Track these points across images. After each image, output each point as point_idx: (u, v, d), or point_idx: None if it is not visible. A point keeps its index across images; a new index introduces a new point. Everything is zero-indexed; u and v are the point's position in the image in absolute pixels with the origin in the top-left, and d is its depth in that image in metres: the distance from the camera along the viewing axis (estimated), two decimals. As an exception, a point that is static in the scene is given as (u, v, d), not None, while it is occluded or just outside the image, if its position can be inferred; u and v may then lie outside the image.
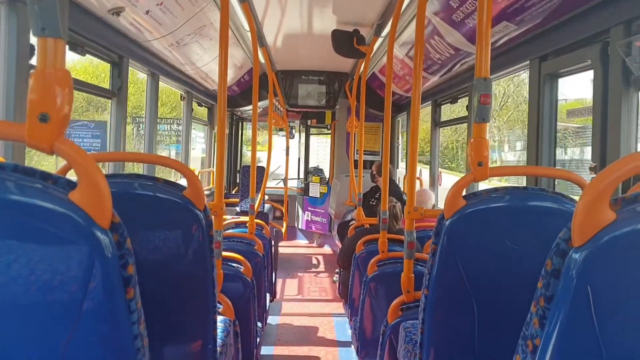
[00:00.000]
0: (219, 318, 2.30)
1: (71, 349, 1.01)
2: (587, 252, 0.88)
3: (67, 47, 3.11)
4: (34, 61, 2.60)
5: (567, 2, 2.63)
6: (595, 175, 2.16)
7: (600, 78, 2.62)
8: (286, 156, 8.31)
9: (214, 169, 6.54)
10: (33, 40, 2.56)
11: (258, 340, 3.54)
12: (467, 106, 4.72)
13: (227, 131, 8.86)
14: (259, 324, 3.65)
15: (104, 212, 1.02)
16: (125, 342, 1.08)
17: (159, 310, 1.79)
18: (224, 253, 2.94)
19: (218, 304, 2.45)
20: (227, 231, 4.33)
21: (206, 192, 5.42)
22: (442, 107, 5.85)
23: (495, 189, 1.76)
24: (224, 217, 4.78)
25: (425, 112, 6.14)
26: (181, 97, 6.07)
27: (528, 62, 3.35)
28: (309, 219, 8.87)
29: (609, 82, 2.57)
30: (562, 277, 0.92)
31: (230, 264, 3.16)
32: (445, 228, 1.73)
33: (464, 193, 1.80)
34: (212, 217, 2.39)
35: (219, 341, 2.03)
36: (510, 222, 1.71)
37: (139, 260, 1.77)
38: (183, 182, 1.87)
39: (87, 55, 3.42)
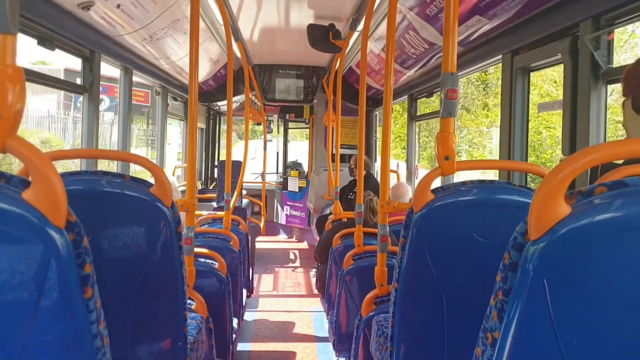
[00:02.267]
0: (191, 315, 2.29)
1: (28, 349, 1.00)
2: (543, 246, 0.89)
3: (36, 42, 3.01)
4: None
5: (538, -4, 2.65)
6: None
7: (570, 72, 2.65)
8: (264, 150, 8.28)
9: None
10: None
11: (234, 336, 3.53)
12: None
13: (203, 126, 8.80)
14: (235, 320, 3.63)
15: (59, 211, 1.00)
16: (84, 342, 1.06)
17: (127, 308, 1.78)
18: (197, 249, 2.91)
19: (190, 301, 2.43)
20: (203, 227, 4.30)
21: (182, 188, 5.37)
22: (426, 100, 5.88)
23: (463, 183, 1.78)
24: (201, 212, 4.75)
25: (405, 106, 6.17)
26: (156, 92, 6.00)
27: (500, 56, 3.37)
28: (288, 213, 8.86)
29: (578, 76, 2.60)
30: (519, 270, 0.92)
31: (204, 260, 3.14)
32: (414, 221, 1.74)
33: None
34: (183, 213, 2.37)
35: (190, 338, 2.02)
36: (477, 215, 1.72)
37: (107, 257, 1.75)
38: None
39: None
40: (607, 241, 0.87)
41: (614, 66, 2.50)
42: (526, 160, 3.26)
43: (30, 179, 1.01)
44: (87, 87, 3.77)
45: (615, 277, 0.87)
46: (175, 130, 8.51)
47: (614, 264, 0.87)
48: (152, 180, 1.81)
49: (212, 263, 3.15)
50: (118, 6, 3.35)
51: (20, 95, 1.02)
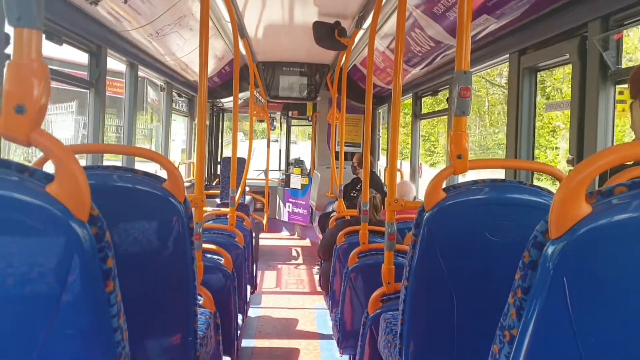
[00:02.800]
0: (200, 310, 2.30)
1: (50, 343, 1.01)
2: (563, 245, 0.89)
3: (43, 36, 3.05)
4: (9, 50, 2.55)
5: (546, -4, 2.66)
6: (572, 168, 2.19)
7: (578, 72, 2.66)
8: (267, 148, 8.28)
9: (194, 161, 6.50)
10: (8, 29, 2.50)
11: (239, 332, 3.54)
12: (447, 99, 4.75)
13: (207, 122, 8.79)
14: (240, 316, 3.65)
15: (82, 205, 1.01)
16: (104, 335, 1.07)
17: (139, 303, 1.78)
18: (204, 245, 2.92)
19: (199, 296, 2.45)
20: (208, 223, 4.31)
21: (186, 184, 5.38)
22: (429, 98, 5.89)
23: (475, 182, 1.78)
24: (205, 209, 4.76)
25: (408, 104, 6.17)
26: (161, 87, 6.01)
27: (508, 55, 3.38)
28: (290, 210, 8.87)
29: (586, 76, 2.61)
30: (539, 268, 0.93)
31: (210, 256, 3.15)
32: (425, 220, 1.75)
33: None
34: (193, 209, 2.38)
35: (199, 333, 2.03)
36: (489, 214, 1.73)
37: (119, 253, 1.75)
38: (163, 173, 1.85)
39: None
40: (627, 241, 0.87)
41: (622, 67, 2.50)
42: (532, 159, 3.27)
43: (53, 172, 1.02)
44: (94, 82, 3.77)
45: (634, 277, 0.88)
46: (177, 127, 8.49)
47: (633, 264, 0.88)
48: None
49: (218, 259, 3.16)
50: (125, 1, 3.36)
51: (44, 89, 1.02)
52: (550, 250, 0.91)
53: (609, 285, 0.89)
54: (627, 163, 1.69)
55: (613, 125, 2.57)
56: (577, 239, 0.89)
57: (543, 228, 0.95)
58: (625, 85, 2.22)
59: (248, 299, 4.53)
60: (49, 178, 1.02)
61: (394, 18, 4.09)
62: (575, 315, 0.89)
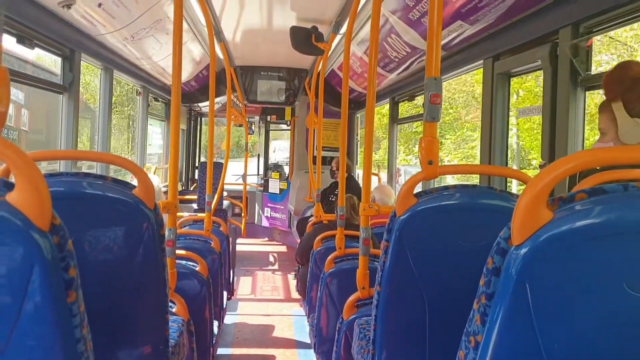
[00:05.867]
0: (172, 318, 2.27)
1: (10, 353, 0.99)
2: (525, 251, 0.90)
3: (14, 40, 2.95)
4: None
5: (519, 3, 2.69)
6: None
7: (550, 78, 2.69)
8: (245, 152, 8.25)
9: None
10: None
11: (215, 339, 3.51)
12: (422, 104, 4.78)
13: (184, 127, 8.75)
14: (216, 323, 3.61)
15: (43, 214, 0.99)
16: (67, 346, 1.05)
17: (109, 311, 1.76)
18: (178, 251, 2.89)
19: (171, 304, 2.42)
20: (184, 228, 4.27)
21: (165, 189, 5.33)
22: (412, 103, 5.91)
23: (446, 187, 1.79)
24: (181, 214, 4.72)
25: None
26: (137, 92, 5.95)
27: (482, 61, 3.41)
28: (269, 215, 8.84)
29: (557, 82, 2.64)
30: (502, 275, 0.94)
31: (185, 262, 3.12)
32: (397, 225, 1.75)
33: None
34: (166, 215, 2.35)
35: (171, 341, 2.00)
36: (460, 219, 1.74)
37: (89, 260, 1.73)
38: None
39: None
40: (587, 246, 0.89)
41: (592, 73, 2.54)
42: (506, 164, 3.31)
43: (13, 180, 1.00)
44: (67, 87, 3.72)
45: (595, 282, 0.89)
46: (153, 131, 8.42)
47: (593, 269, 0.89)
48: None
49: (193, 265, 3.13)
50: (99, 5, 3.32)
51: (4, 96, 1.00)
52: (512, 256, 0.92)
53: (571, 291, 0.90)
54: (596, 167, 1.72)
55: (583, 130, 2.61)
56: (539, 245, 0.90)
57: (506, 234, 0.96)
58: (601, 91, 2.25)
59: (225, 306, 4.49)
60: (8, 187, 1.00)
61: (370, 23, 4.11)
62: (538, 321, 0.90)
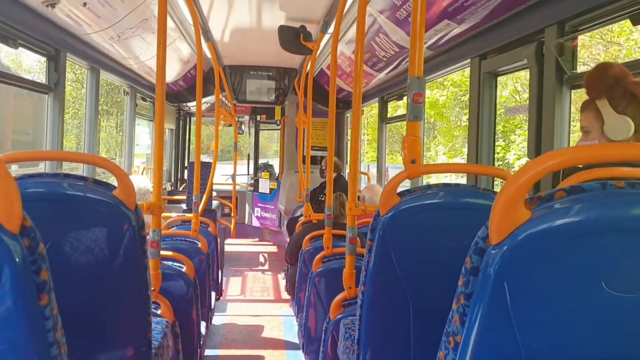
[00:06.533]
0: (156, 319, 2.25)
1: None
2: (503, 250, 0.90)
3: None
4: None
5: (505, 2, 2.69)
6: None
7: (536, 77, 2.70)
8: (234, 152, 8.23)
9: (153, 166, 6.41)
10: None
11: (202, 340, 3.49)
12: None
13: (173, 127, 8.70)
14: (204, 324, 3.59)
15: (12, 216, 0.97)
16: (40, 350, 1.03)
17: (90, 313, 1.74)
18: (164, 252, 2.87)
19: (156, 305, 2.40)
20: (172, 229, 4.24)
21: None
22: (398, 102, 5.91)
23: (429, 186, 1.79)
24: (170, 215, 4.69)
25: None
26: (124, 91, 5.91)
27: (469, 60, 3.41)
28: (259, 215, 8.81)
29: (543, 81, 2.65)
30: (480, 274, 0.93)
31: (171, 263, 3.09)
32: (380, 224, 1.74)
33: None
34: (149, 216, 2.33)
35: (154, 343, 1.98)
36: (443, 218, 1.73)
37: (69, 261, 1.71)
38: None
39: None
40: (565, 245, 0.88)
41: (577, 72, 2.55)
42: (493, 163, 3.31)
43: None
44: (52, 87, 3.68)
45: (573, 281, 0.89)
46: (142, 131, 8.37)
47: (571, 268, 0.89)
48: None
49: (180, 266, 3.10)
50: (84, 4, 3.28)
51: None
52: (490, 256, 0.91)
53: (549, 290, 0.89)
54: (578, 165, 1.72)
55: (569, 128, 2.62)
56: (517, 245, 0.89)
57: (484, 234, 0.95)
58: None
59: (213, 307, 4.46)
60: None
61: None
62: (517, 321, 0.90)
